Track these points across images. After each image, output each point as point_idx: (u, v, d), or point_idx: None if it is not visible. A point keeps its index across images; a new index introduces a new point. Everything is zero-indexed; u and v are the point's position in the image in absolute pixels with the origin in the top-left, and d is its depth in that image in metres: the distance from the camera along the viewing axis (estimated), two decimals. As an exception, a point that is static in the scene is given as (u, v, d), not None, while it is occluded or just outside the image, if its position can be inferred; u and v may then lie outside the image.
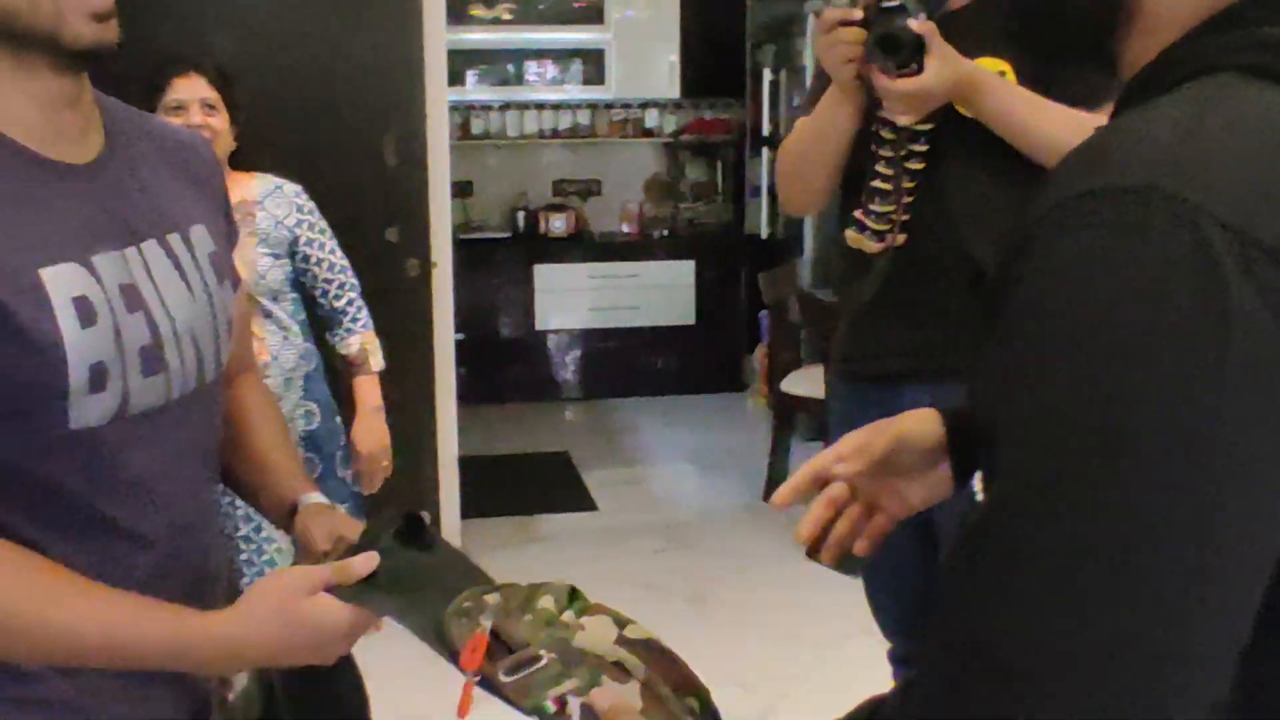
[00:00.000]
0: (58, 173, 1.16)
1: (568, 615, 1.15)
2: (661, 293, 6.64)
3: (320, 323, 2.95)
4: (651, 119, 6.90)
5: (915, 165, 1.94)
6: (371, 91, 3.82)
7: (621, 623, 1.17)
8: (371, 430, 2.95)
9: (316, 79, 3.80)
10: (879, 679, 3.51)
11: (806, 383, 4.88)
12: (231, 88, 2.74)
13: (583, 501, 5.08)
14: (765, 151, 6.17)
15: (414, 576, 1.19)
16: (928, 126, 1.92)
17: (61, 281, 1.11)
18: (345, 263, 2.92)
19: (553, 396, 6.58)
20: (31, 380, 1.09)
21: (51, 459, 1.13)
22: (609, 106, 6.84)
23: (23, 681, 1.15)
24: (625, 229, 6.91)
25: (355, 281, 2.94)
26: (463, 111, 6.48)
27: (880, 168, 1.96)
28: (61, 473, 1.14)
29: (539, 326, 6.54)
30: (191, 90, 2.66)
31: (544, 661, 1.08)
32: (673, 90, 6.68)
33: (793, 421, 5.16)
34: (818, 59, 1.99)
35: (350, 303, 2.93)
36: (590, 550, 4.57)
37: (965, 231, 1.92)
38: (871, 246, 1.98)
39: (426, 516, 1.30)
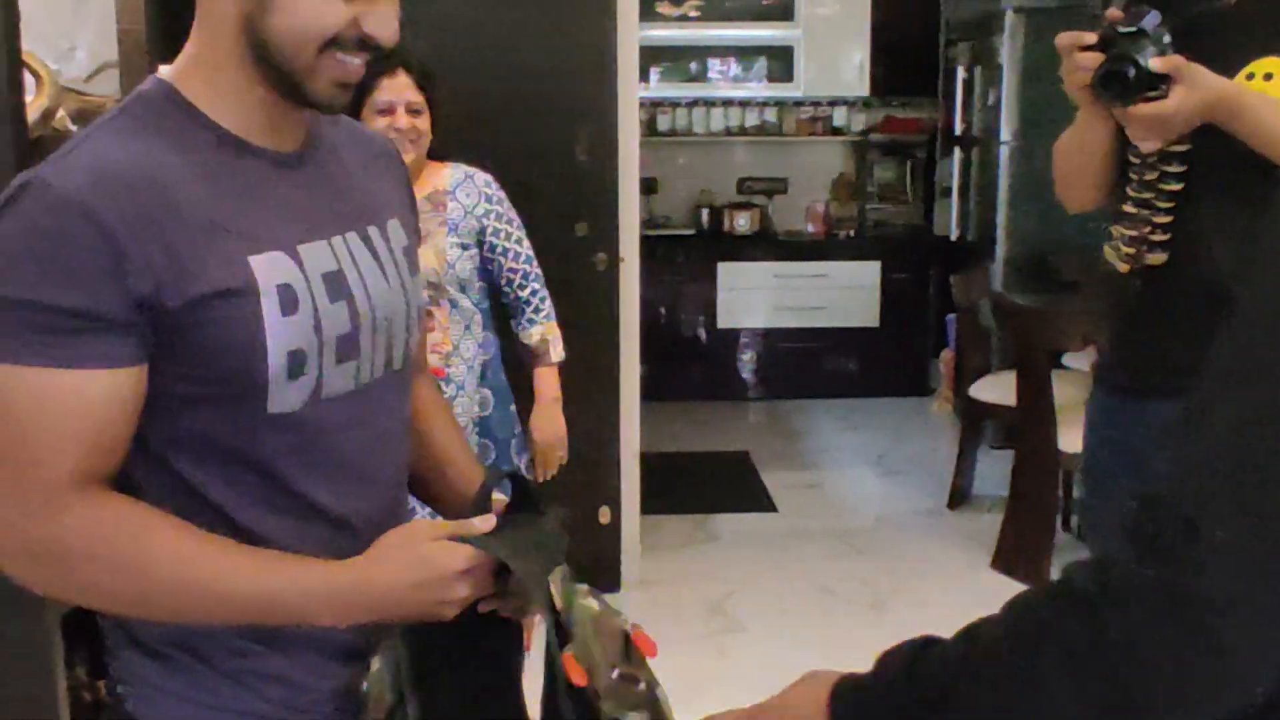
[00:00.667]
0: (269, 161, 1.19)
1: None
2: (846, 294, 6.54)
3: (503, 311, 2.99)
4: (840, 117, 6.81)
5: (1171, 186, 1.85)
6: (564, 89, 3.85)
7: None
8: (549, 420, 2.99)
9: (510, 77, 3.85)
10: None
11: (996, 389, 4.74)
12: (434, 86, 2.79)
13: (762, 502, 5.04)
14: (957, 151, 6.02)
15: (525, 536, 1.21)
16: (1183, 148, 1.82)
17: (268, 269, 1.14)
18: (530, 253, 2.95)
19: (733, 395, 6.55)
20: (235, 365, 1.13)
21: (258, 440, 1.17)
22: (797, 104, 6.77)
23: (239, 656, 1.20)
24: (810, 228, 6.84)
25: (539, 272, 2.96)
26: (648, 108, 6.50)
27: (1131, 190, 1.89)
28: (269, 454, 1.18)
29: (721, 325, 6.52)
30: (398, 91, 2.71)
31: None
32: (862, 88, 6.58)
33: (980, 428, 5.01)
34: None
35: (534, 293, 2.95)
36: (768, 552, 4.53)
37: (1218, 252, 1.83)
38: (1121, 266, 1.92)
39: (530, 477, 1.32)
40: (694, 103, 6.75)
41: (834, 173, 6.94)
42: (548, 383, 3.00)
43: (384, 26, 1.16)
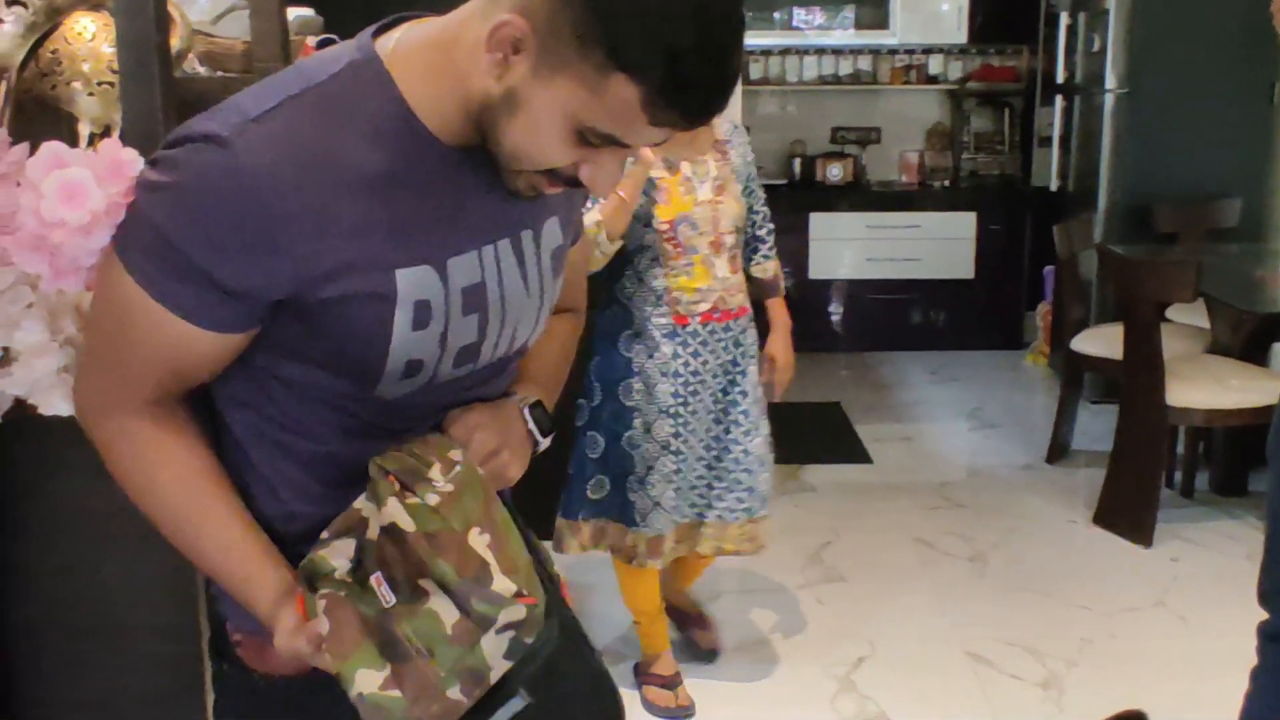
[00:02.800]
0: (453, 160, 1.16)
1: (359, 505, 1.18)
2: (939, 245, 6.45)
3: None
4: (935, 65, 6.68)
5: None
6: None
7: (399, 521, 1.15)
8: (785, 345, 3.21)
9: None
10: (1175, 653, 3.37)
11: (1098, 342, 4.65)
12: None
13: (856, 454, 5.01)
14: (1058, 100, 5.88)
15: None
16: None
17: (411, 284, 1.14)
18: (765, 195, 3.17)
19: (824, 346, 6.49)
20: (356, 355, 1.15)
21: (357, 403, 1.21)
22: (892, 52, 6.66)
23: None
24: (904, 179, 6.74)
25: (769, 213, 3.17)
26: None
27: None
28: (355, 408, 1.21)
29: (813, 275, 6.46)
30: None
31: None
32: (960, 36, 6.44)
33: (1080, 382, 4.93)
34: None
35: (770, 232, 3.17)
36: (863, 503, 4.51)
37: None
38: None
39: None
40: (786, 51, 6.66)
41: (929, 122, 6.82)
42: (781, 311, 3.24)
43: (601, 182, 1.14)
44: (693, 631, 3.37)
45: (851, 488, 4.67)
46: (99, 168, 1.37)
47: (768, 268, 3.18)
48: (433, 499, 1.13)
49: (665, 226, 2.81)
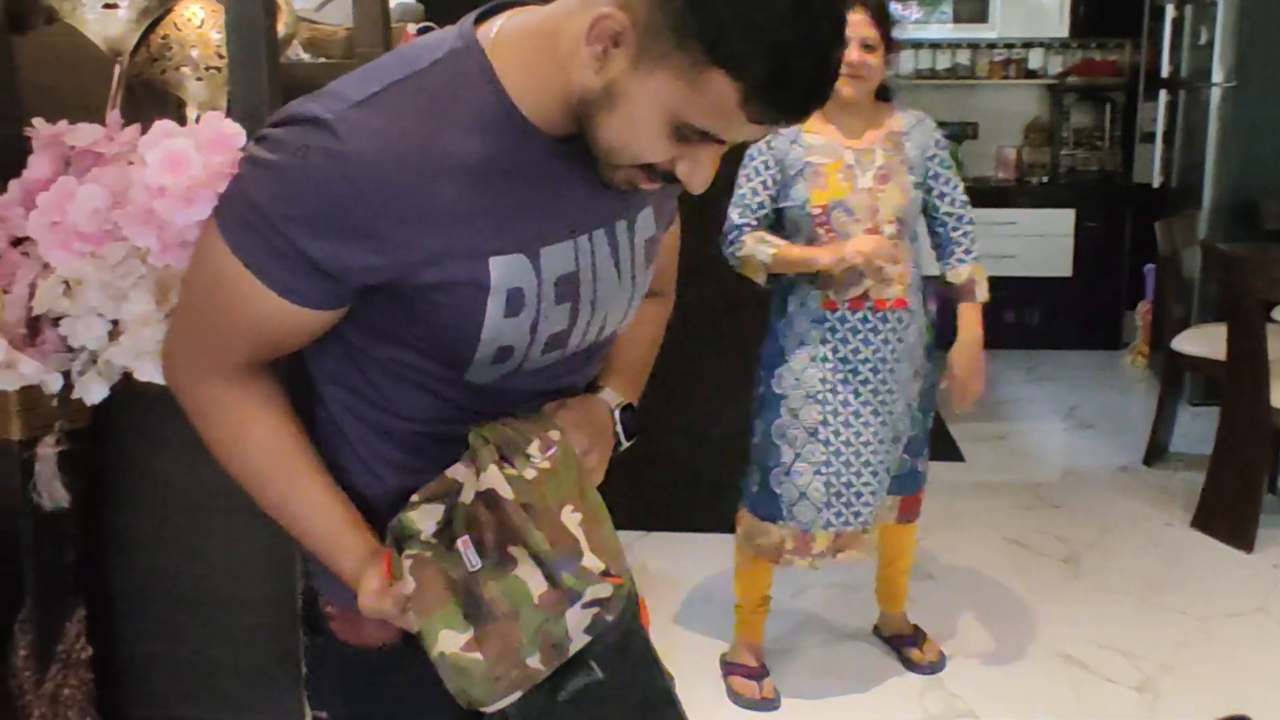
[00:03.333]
0: (551, 151, 1.16)
1: (454, 471, 1.19)
2: (1037, 242, 6.34)
3: (935, 249, 3.08)
4: (1035, 59, 6.57)
5: None
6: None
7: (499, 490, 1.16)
8: (968, 354, 3.07)
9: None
10: (1275, 659, 3.27)
11: (1200, 341, 4.53)
12: (890, 23, 2.86)
13: (949, 452, 4.95)
14: (1162, 94, 5.74)
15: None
16: None
17: (505, 272, 1.15)
18: (965, 197, 3.03)
19: (916, 345, 6.42)
20: (447, 340, 1.17)
21: (448, 385, 1.22)
22: (990, 46, 6.56)
23: None
24: (1000, 174, 6.64)
25: (971, 215, 3.03)
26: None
27: None
28: (447, 391, 1.23)
29: (905, 272, 6.39)
30: (854, 27, 2.76)
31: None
32: (1061, 29, 6.33)
33: (1181, 383, 4.81)
34: None
35: (965, 234, 3.03)
36: (957, 502, 4.45)
37: None
38: None
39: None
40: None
41: (1027, 117, 6.71)
42: (970, 319, 3.08)
43: (696, 177, 1.12)
44: (908, 651, 3.30)
45: (943, 486, 4.60)
46: (201, 138, 1.41)
47: (961, 272, 3.03)
48: (530, 473, 1.15)
49: (818, 211, 2.81)
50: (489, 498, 1.14)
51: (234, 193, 1.15)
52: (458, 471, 1.19)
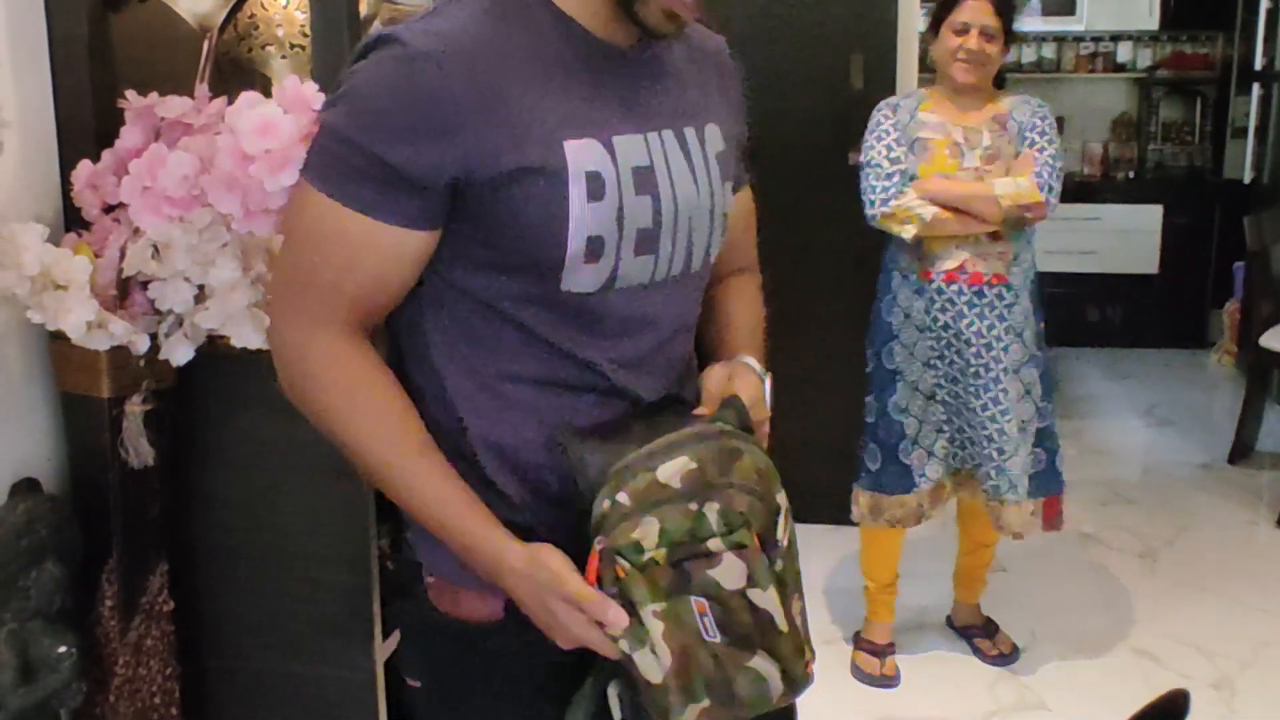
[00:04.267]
0: (606, 53, 1.23)
1: (713, 542, 1.13)
2: (1123, 238, 6.24)
3: None
4: (1124, 53, 6.46)
5: None
6: (840, 11, 3.79)
7: (756, 580, 1.14)
8: None
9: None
10: (1357, 660, 3.19)
11: (1289, 339, 4.45)
12: (1012, 15, 2.91)
13: (1024, 446, 4.90)
14: (1255, 88, 5.63)
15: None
16: None
17: (580, 155, 1.18)
18: (1053, 154, 2.88)
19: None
20: (537, 240, 1.18)
21: (540, 312, 1.22)
22: (1078, 39, 6.47)
23: (510, 510, 1.25)
24: (1086, 170, 6.54)
25: (1052, 164, 2.87)
26: (922, 40, 6.33)
27: None
28: (546, 326, 1.23)
29: (988, 267, 6.33)
30: (976, 14, 2.85)
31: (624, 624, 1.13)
32: (1151, 22, 6.22)
33: (1269, 381, 4.72)
34: None
35: (1038, 166, 2.87)
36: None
37: None
38: None
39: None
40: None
41: (1114, 112, 6.61)
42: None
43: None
44: (980, 642, 3.31)
45: (1018, 480, 4.57)
46: (286, 100, 1.46)
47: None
48: (779, 564, 1.17)
49: None
50: (749, 601, 1.15)
51: (314, 140, 1.20)
52: (670, 475, 1.16)
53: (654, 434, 1.20)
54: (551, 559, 1.17)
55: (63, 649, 1.58)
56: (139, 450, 1.65)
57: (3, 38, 1.64)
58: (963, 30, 2.86)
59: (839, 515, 3.20)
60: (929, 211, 2.82)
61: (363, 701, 1.78)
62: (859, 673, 3.18)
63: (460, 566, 1.26)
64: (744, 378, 1.33)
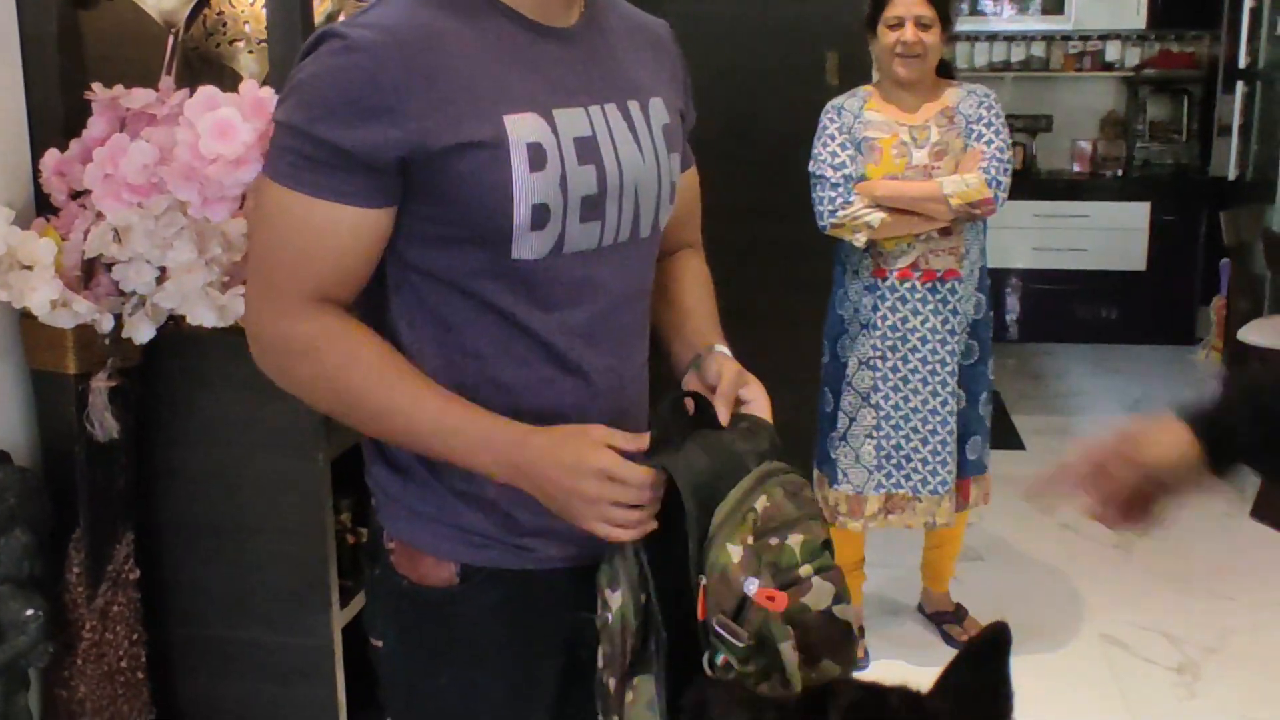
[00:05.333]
0: (542, 33, 1.29)
1: (803, 569, 1.21)
2: (1111, 236, 6.29)
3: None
4: (1112, 52, 6.52)
5: None
6: (815, 8, 3.85)
7: (841, 596, 1.21)
8: None
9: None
10: (1322, 650, 3.25)
11: (1266, 332, 4.49)
12: (946, 2, 2.94)
13: (1010, 440, 4.95)
14: (1240, 86, 5.68)
15: (706, 452, 1.26)
16: None
17: (521, 127, 1.24)
18: (1002, 145, 2.92)
19: (985, 336, 6.42)
20: (484, 209, 1.24)
21: (492, 282, 1.28)
22: (1066, 38, 6.53)
23: (467, 479, 1.31)
24: (1075, 168, 6.60)
25: (1000, 160, 2.90)
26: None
27: None
28: (500, 295, 1.29)
29: (975, 264, 6.39)
30: (909, 7, 2.90)
31: (743, 644, 1.17)
32: (1138, 21, 6.28)
33: (1247, 374, 4.76)
34: None
35: (985, 162, 2.91)
36: (1010, 488, 4.45)
37: None
38: None
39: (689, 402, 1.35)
40: (955, 38, 6.59)
41: (1102, 110, 6.66)
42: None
43: None
44: (950, 628, 3.38)
45: (1000, 474, 4.61)
46: (244, 106, 1.55)
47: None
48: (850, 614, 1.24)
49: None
50: (833, 615, 1.22)
51: (271, 138, 1.27)
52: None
53: (714, 451, 1.26)
54: (596, 429, 1.23)
55: (30, 611, 1.67)
56: (104, 424, 1.73)
57: (-25, 33, 1.73)
58: (897, 24, 2.91)
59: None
60: (876, 218, 2.87)
61: (321, 667, 1.87)
62: None
63: (419, 529, 1.33)
64: (753, 384, 1.39)
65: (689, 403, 1.35)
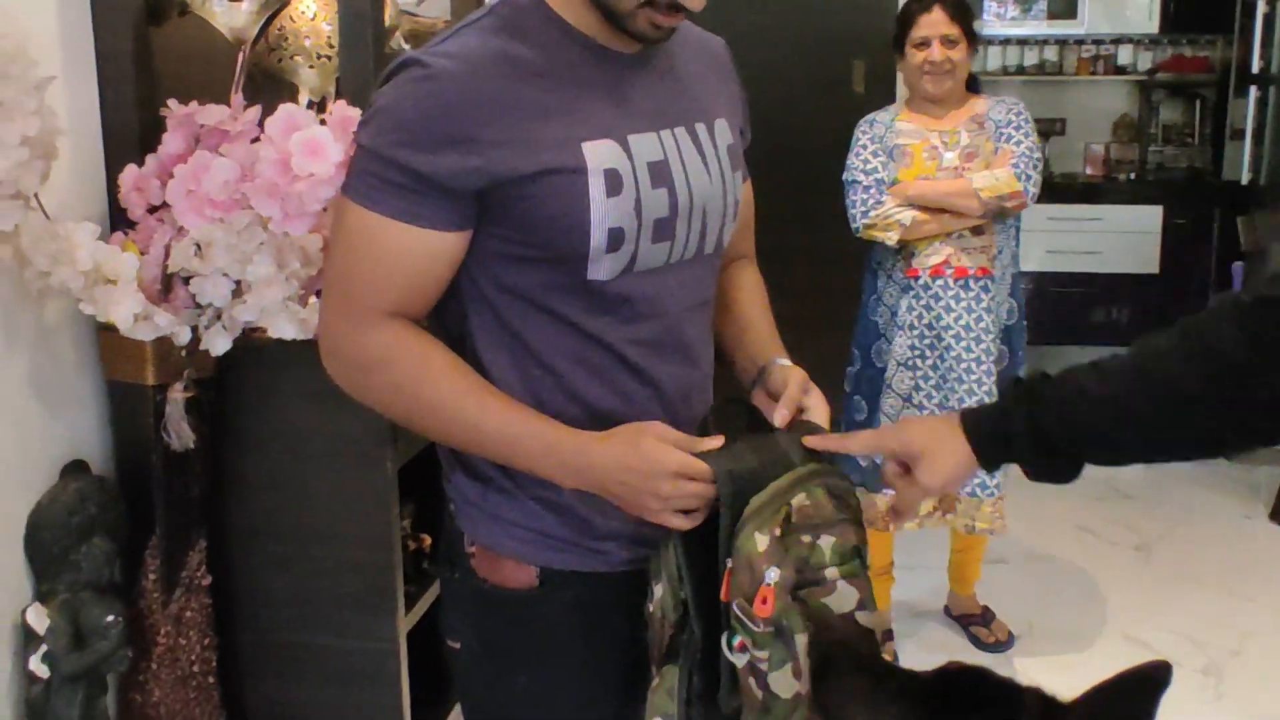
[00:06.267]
0: (614, 60, 1.34)
1: (829, 571, 1.25)
2: (1123, 239, 6.32)
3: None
4: (1124, 56, 6.55)
5: None
6: (843, 18, 3.90)
7: (866, 603, 1.26)
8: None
9: (783, 3, 3.94)
10: (1345, 649, 3.30)
11: None
12: (970, 18, 3.03)
13: (1024, 442, 4.99)
14: (1253, 91, 5.72)
15: (754, 450, 1.31)
16: None
17: (598, 155, 1.29)
18: (1031, 146, 2.97)
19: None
20: (564, 235, 1.29)
21: (566, 298, 1.33)
22: (1079, 42, 6.57)
23: (544, 486, 1.36)
24: (1088, 171, 6.64)
25: (1030, 160, 2.96)
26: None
27: None
28: (574, 311, 1.34)
29: (989, 267, 6.42)
30: (933, 27, 2.98)
31: (760, 629, 1.23)
32: (1151, 25, 6.31)
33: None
34: None
35: (1013, 162, 2.96)
36: (1026, 491, 4.47)
37: None
38: None
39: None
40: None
41: (1115, 114, 6.69)
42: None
43: None
44: (976, 630, 3.42)
45: (1020, 478, 4.66)
46: (335, 126, 1.59)
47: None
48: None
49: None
50: (856, 622, 1.27)
51: (352, 158, 1.31)
52: (792, 510, 1.27)
53: (763, 449, 1.31)
54: (645, 440, 1.28)
55: (111, 617, 1.71)
56: (181, 434, 1.77)
57: (55, 53, 1.77)
58: (924, 44, 2.98)
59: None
60: (908, 216, 2.92)
61: (387, 671, 1.91)
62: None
63: (500, 534, 1.39)
64: (816, 393, 1.43)
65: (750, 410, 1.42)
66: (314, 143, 1.55)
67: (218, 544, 1.90)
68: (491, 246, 1.31)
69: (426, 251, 1.28)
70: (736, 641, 1.25)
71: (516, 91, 1.26)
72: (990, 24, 6.54)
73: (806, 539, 1.26)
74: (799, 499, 1.27)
